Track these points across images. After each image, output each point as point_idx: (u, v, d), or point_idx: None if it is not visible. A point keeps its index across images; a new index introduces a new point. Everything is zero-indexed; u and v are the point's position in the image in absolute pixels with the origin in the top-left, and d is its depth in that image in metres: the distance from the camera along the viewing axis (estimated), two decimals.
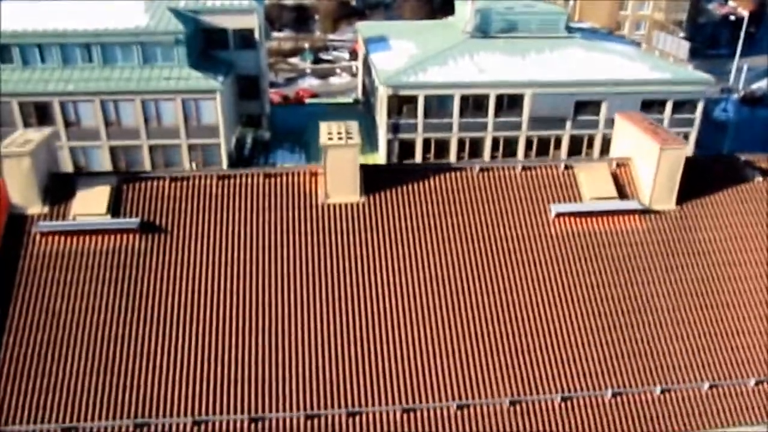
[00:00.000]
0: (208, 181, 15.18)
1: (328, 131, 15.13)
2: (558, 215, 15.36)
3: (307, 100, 61.19)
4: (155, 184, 15.05)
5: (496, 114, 39.99)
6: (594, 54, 41.84)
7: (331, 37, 78.56)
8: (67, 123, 35.58)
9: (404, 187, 15.48)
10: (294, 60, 72.46)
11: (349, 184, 14.97)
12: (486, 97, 39.27)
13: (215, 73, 36.25)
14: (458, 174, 15.83)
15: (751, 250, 15.45)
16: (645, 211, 15.73)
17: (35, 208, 14.55)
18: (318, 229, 14.81)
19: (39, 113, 34.98)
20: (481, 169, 15.90)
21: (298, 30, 74.98)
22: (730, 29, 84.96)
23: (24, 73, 34.88)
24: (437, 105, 38.96)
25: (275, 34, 72.84)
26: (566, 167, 16.16)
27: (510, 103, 39.60)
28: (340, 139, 14.73)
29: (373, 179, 15.43)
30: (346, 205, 15.10)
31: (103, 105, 35.11)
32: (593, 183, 15.94)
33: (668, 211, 15.85)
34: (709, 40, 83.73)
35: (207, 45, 39.92)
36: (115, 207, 14.73)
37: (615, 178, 16.13)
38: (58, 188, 14.82)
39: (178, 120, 35.82)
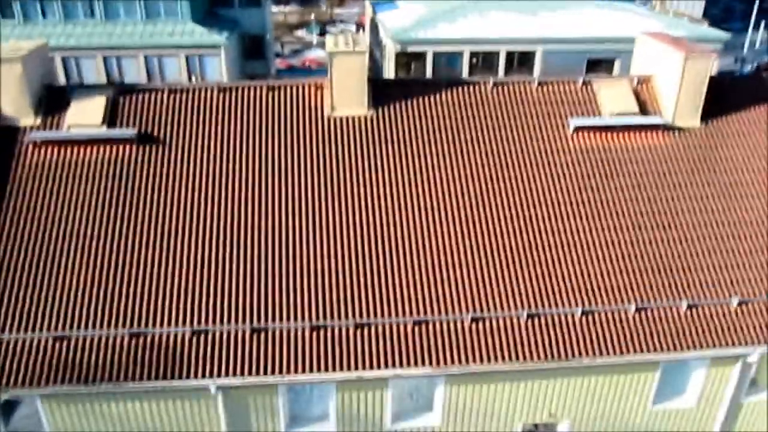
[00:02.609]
0: (208, 93, 14.39)
1: (334, 41, 14.39)
2: (577, 129, 14.53)
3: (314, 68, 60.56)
4: (153, 96, 14.29)
5: (507, 72, 38.86)
6: (607, 12, 40.74)
7: (337, 11, 77.61)
8: (68, 78, 34.98)
9: (415, 101, 14.67)
10: (300, 33, 71.58)
11: (357, 95, 14.18)
12: (496, 54, 38.19)
13: (220, 29, 35.50)
14: (471, 88, 14.98)
15: None
16: (668, 128, 14.89)
17: (28, 119, 13.84)
18: (324, 141, 14.02)
19: None
20: (495, 84, 15.03)
21: (304, 4, 74.10)
22: (744, 3, 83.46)
23: (25, 28, 34.12)
24: (446, 62, 37.90)
25: (282, 8, 72.04)
26: (584, 83, 15.26)
27: (521, 61, 38.50)
28: (347, 46, 13.99)
29: (381, 92, 14.61)
30: (353, 118, 14.31)
31: (106, 60, 34.33)
32: (613, 99, 15.08)
33: (692, 128, 14.96)
34: (722, 13, 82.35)
35: (212, 2, 39.23)
36: (111, 118, 13.99)
37: (636, 95, 15.29)
38: (52, 100, 14.12)
39: (181, 76, 34.92)
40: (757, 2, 71.90)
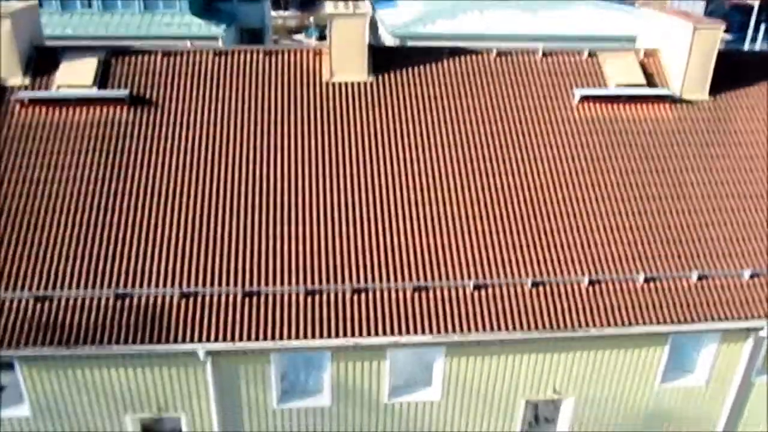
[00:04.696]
0: (204, 57, 13.95)
1: (334, 4, 14.00)
2: (583, 99, 14.12)
3: None
4: (146, 58, 13.86)
5: None
6: (607, 12, 40.77)
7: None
8: None
9: (416, 68, 14.23)
10: (299, 36, 71.52)
11: (357, 60, 13.75)
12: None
13: (218, 22, 35.21)
14: (474, 58, 14.55)
15: None
16: (676, 100, 14.48)
17: (16, 79, 13.35)
18: (321, 107, 13.54)
19: None
20: (499, 54, 14.64)
21: (303, 8, 74.16)
22: (742, 15, 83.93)
23: None
24: None
25: (281, 13, 71.95)
26: (590, 54, 14.91)
27: None
28: (347, 8, 13.61)
29: (382, 59, 14.17)
30: (353, 84, 13.85)
31: None
32: (620, 70, 14.69)
33: (700, 101, 14.58)
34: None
35: None
36: (102, 80, 13.52)
37: (643, 67, 14.93)
38: (42, 60, 13.66)
39: None
40: (754, 14, 72.30)
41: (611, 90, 14.18)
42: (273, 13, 67.35)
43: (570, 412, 13.26)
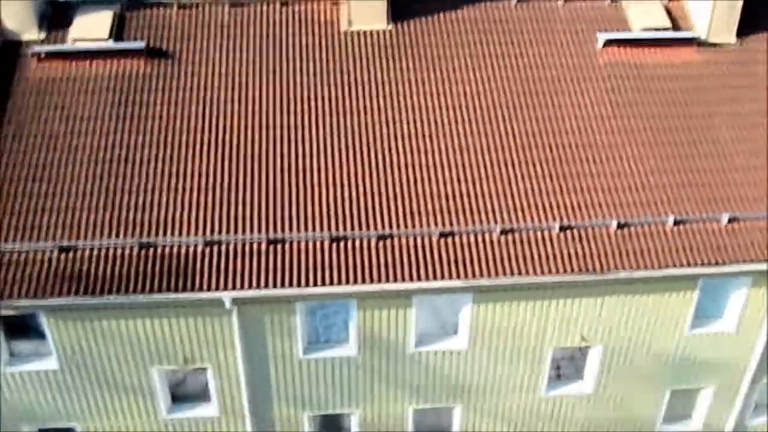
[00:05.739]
0: (220, 9, 13.68)
1: None
2: (606, 43, 13.80)
3: None
4: (162, 11, 13.60)
5: None
6: None
7: None
8: None
9: (436, 16, 13.94)
10: None
11: (376, 8, 13.43)
12: None
13: None
14: (495, 5, 14.20)
15: None
16: (702, 43, 14.18)
17: (31, 33, 13.18)
18: (340, 55, 13.31)
19: None
20: (519, 1, 14.34)
21: None
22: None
23: None
24: None
25: None
26: (613, 0, 14.68)
27: None
28: None
29: (401, 7, 13.87)
30: (371, 33, 13.59)
31: None
32: (644, 14, 14.32)
33: (727, 45, 14.25)
34: None
35: None
36: (118, 33, 13.33)
37: (667, 11, 14.63)
38: (56, 15, 13.47)
39: None
40: None
41: (635, 33, 13.93)
42: None
43: (597, 361, 13.19)
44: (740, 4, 14.17)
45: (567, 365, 13.78)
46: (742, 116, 13.43)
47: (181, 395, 13.12)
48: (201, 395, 13.08)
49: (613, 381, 13.47)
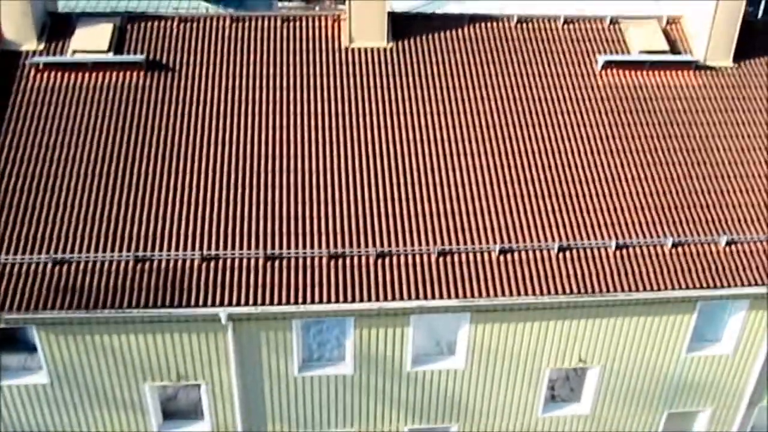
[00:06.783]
0: (221, 23, 13.69)
1: None
2: (606, 65, 13.90)
3: None
4: (163, 24, 13.57)
5: None
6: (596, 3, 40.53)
7: (341, 6, 77.42)
8: None
9: (436, 35, 13.98)
10: None
11: (376, 25, 13.47)
12: None
13: (225, 5, 35.08)
14: (495, 24, 14.25)
15: None
16: (700, 66, 14.26)
17: (30, 44, 13.12)
18: (340, 72, 13.30)
19: None
20: (519, 21, 14.37)
21: (308, 1, 73.77)
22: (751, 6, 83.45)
23: None
24: None
25: (285, 3, 71.66)
26: (612, 21, 14.66)
27: None
28: None
29: (402, 25, 13.92)
30: (372, 50, 13.59)
31: None
32: (642, 37, 14.43)
33: (724, 68, 14.36)
34: None
35: None
36: (117, 45, 13.29)
37: (666, 34, 14.72)
38: (56, 26, 13.42)
39: None
40: (762, 6, 71.99)
41: (635, 56, 14.02)
42: (279, 4, 67.28)
43: (594, 382, 13.10)
44: (737, 27, 14.35)
45: (561, 385, 13.73)
46: (740, 138, 13.49)
47: (172, 411, 12.98)
48: (193, 412, 12.94)
49: (610, 402, 13.37)
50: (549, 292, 11.37)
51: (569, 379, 13.76)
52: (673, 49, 14.46)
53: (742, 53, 14.50)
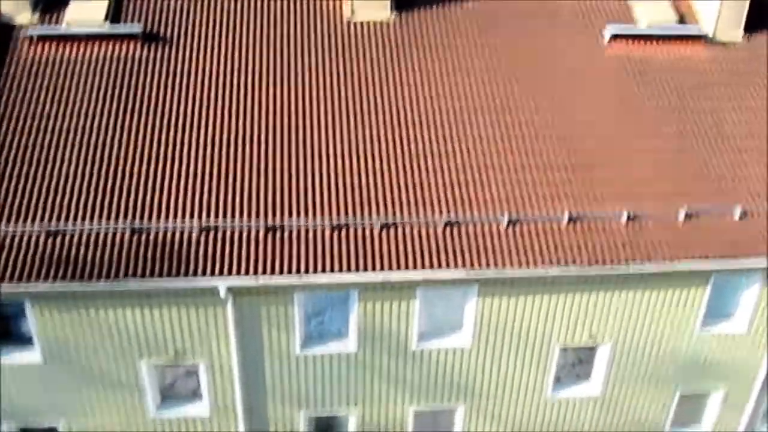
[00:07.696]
0: None
1: None
2: (613, 38, 13.61)
3: None
4: None
5: None
6: None
7: None
8: None
9: (440, 6, 13.71)
10: None
11: None
12: None
13: None
14: None
15: None
16: (710, 40, 14.01)
17: (24, 16, 12.80)
18: (342, 45, 12.99)
19: None
20: None
21: None
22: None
23: None
24: None
25: None
26: None
27: None
28: None
29: None
30: (374, 23, 13.30)
31: None
32: (650, 10, 14.17)
33: (734, 42, 14.04)
34: None
35: None
36: (114, 17, 13.02)
37: (675, 10, 14.48)
38: None
39: None
40: None
41: (642, 29, 13.74)
42: None
43: (605, 360, 12.73)
44: (747, 2, 14.13)
45: (568, 373, 13.36)
46: (750, 111, 13.16)
47: (171, 393, 12.57)
48: (192, 393, 12.51)
49: (622, 382, 13.01)
50: (558, 264, 10.98)
51: (575, 366, 13.41)
52: (682, 23, 14.26)
53: (752, 27, 14.25)
